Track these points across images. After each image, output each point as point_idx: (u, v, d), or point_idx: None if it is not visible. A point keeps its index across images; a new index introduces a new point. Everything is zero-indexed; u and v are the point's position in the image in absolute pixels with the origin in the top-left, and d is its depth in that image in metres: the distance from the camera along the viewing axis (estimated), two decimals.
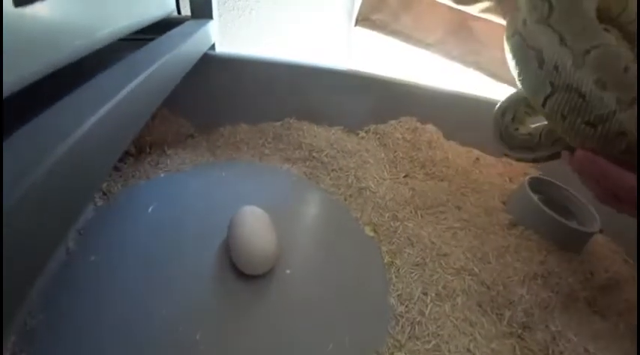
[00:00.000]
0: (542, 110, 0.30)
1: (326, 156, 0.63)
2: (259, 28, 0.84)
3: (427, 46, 0.74)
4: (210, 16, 0.62)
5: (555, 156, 0.37)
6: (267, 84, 0.67)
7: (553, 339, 0.40)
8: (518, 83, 0.32)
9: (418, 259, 0.47)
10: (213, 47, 0.65)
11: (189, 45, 0.48)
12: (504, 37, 0.33)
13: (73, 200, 0.23)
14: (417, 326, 0.39)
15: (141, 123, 0.34)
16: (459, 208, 0.56)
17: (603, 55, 0.26)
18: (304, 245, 0.49)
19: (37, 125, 0.22)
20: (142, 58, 0.37)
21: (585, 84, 0.26)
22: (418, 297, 0.42)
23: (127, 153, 0.58)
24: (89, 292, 0.38)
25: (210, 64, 0.63)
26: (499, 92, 0.72)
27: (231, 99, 0.68)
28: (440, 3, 0.69)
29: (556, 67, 0.28)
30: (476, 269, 0.46)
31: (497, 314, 0.42)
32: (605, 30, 0.27)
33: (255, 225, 0.43)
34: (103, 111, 0.25)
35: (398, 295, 0.43)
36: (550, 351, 0.39)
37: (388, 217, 0.53)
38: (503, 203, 0.58)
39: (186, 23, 0.58)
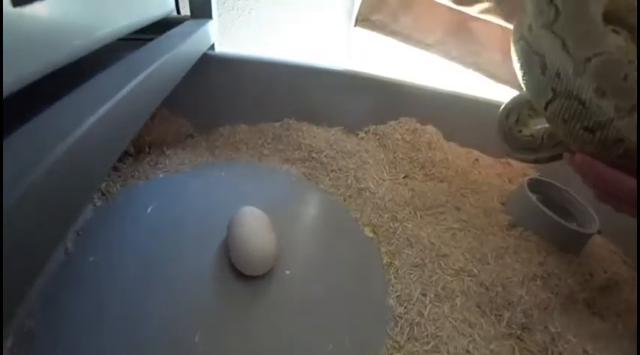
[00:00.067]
0: (544, 113, 0.31)
1: (325, 156, 0.63)
2: (259, 28, 0.84)
3: (426, 46, 0.74)
4: (209, 16, 0.62)
5: (557, 157, 0.38)
6: (267, 84, 0.67)
7: (552, 340, 0.40)
8: (523, 86, 0.33)
9: (417, 260, 0.47)
10: (212, 47, 0.64)
11: (188, 45, 0.48)
12: (511, 41, 0.34)
13: (72, 200, 0.23)
14: (415, 327, 0.39)
15: (140, 123, 0.33)
16: (458, 209, 0.56)
17: (604, 63, 0.26)
18: (303, 245, 0.49)
19: (36, 125, 0.22)
20: (141, 57, 0.37)
21: (585, 91, 0.27)
22: (417, 298, 0.42)
23: (126, 153, 0.58)
24: (88, 293, 0.38)
25: (209, 64, 0.63)
26: (498, 93, 0.72)
27: (230, 100, 0.68)
28: (439, 3, 0.69)
29: (558, 74, 0.28)
30: (475, 270, 0.46)
31: (496, 315, 0.42)
32: (614, 31, 0.27)
33: (255, 226, 0.43)
34: (102, 111, 0.25)
35: (397, 296, 0.43)
36: (549, 352, 0.39)
37: (387, 218, 0.53)
38: (503, 204, 0.58)
39: (186, 23, 0.57)
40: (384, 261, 0.47)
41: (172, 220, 0.48)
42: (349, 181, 0.58)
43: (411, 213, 0.54)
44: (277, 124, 0.68)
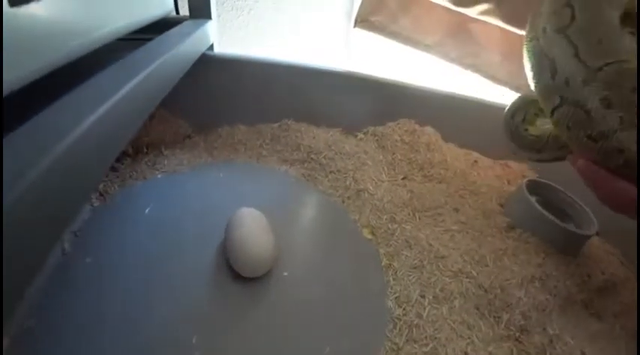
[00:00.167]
0: (550, 117, 0.31)
1: (324, 157, 0.63)
2: (258, 29, 0.84)
3: (426, 47, 0.74)
4: (208, 16, 0.62)
5: (560, 158, 0.38)
6: (266, 85, 0.67)
7: (550, 342, 0.40)
8: (532, 86, 0.32)
9: (416, 261, 0.47)
10: (211, 47, 0.64)
11: (187, 45, 0.48)
12: (524, 39, 0.34)
13: (69, 200, 0.23)
14: (414, 329, 0.39)
15: (139, 123, 0.33)
16: (456, 210, 0.56)
17: (614, 73, 0.26)
18: (302, 247, 0.49)
19: (33, 125, 0.22)
20: (139, 58, 0.37)
21: (591, 101, 0.27)
22: (416, 300, 0.42)
23: (124, 154, 0.58)
24: (85, 294, 0.38)
25: (208, 64, 0.63)
26: (497, 94, 0.73)
27: (229, 100, 0.68)
28: (439, 5, 0.69)
29: (567, 82, 0.28)
30: (473, 272, 0.46)
31: (494, 317, 0.42)
32: (631, 33, 0.27)
33: (253, 227, 0.43)
34: (100, 111, 0.25)
35: (396, 297, 0.43)
36: (547, 354, 0.39)
37: (386, 219, 0.53)
38: (501, 205, 0.58)
39: (185, 23, 0.57)
40: (383, 263, 0.47)
41: (170, 221, 0.48)
42: (348, 182, 0.58)
43: (409, 214, 0.54)
44: (276, 125, 0.68)
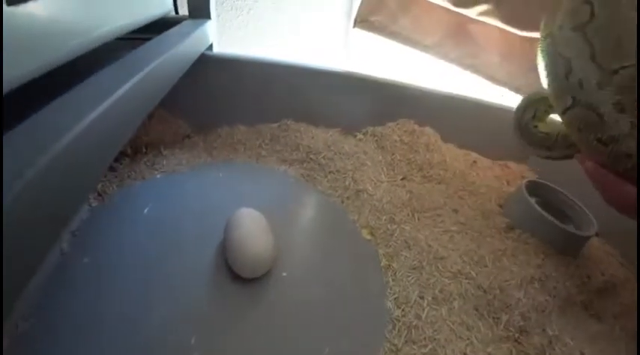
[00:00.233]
0: (561, 116, 0.31)
1: (323, 158, 0.63)
2: (257, 29, 0.84)
3: (425, 48, 0.74)
4: (208, 16, 0.62)
5: (569, 156, 0.38)
6: (265, 85, 0.67)
7: (549, 343, 0.40)
8: (544, 84, 0.32)
9: (415, 262, 0.47)
10: (210, 47, 0.64)
11: (186, 45, 0.48)
12: (539, 34, 0.33)
13: (68, 199, 0.22)
14: (413, 330, 0.39)
15: (137, 122, 0.33)
16: (456, 211, 0.56)
17: (630, 77, 0.26)
18: (301, 247, 0.48)
19: (32, 124, 0.22)
20: (138, 57, 0.37)
21: (605, 105, 0.27)
22: (415, 301, 0.42)
23: (122, 154, 0.58)
24: (83, 294, 0.38)
25: (207, 64, 0.63)
26: (496, 95, 0.73)
27: (228, 100, 0.68)
28: (438, 5, 0.69)
29: (580, 83, 0.28)
30: (473, 273, 0.46)
31: (494, 318, 0.42)
32: None
33: (252, 227, 0.43)
34: (99, 110, 0.25)
35: (395, 298, 0.42)
36: None
37: (385, 220, 0.53)
38: (500, 206, 0.58)
39: (184, 23, 0.57)
40: (382, 263, 0.47)
41: (169, 221, 0.48)
42: (347, 183, 0.58)
43: (408, 215, 0.54)
44: (275, 125, 0.68)
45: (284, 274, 0.43)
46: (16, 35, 0.23)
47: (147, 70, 0.33)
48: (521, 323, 0.41)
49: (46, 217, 0.20)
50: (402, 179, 0.61)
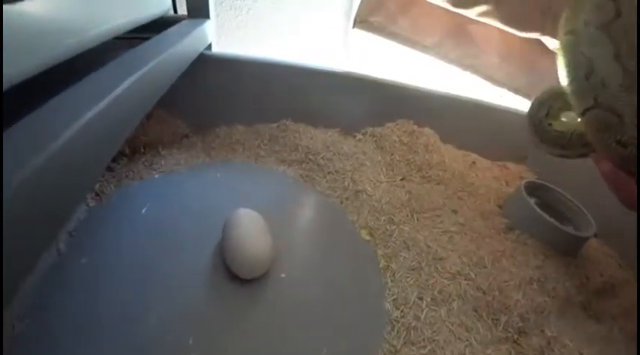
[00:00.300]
0: (580, 116, 0.30)
1: (322, 158, 0.62)
2: (257, 29, 0.84)
3: (424, 48, 0.74)
4: (207, 16, 0.62)
5: (584, 155, 0.37)
6: (264, 85, 0.67)
7: (548, 344, 0.40)
8: (564, 82, 0.31)
9: (414, 263, 0.46)
10: (209, 47, 0.64)
11: (185, 44, 0.48)
12: (560, 31, 0.32)
13: (64, 199, 0.22)
14: (412, 331, 0.39)
15: (135, 122, 0.33)
16: (455, 212, 0.56)
17: None
18: (299, 248, 0.48)
19: (29, 123, 0.22)
20: (137, 56, 0.37)
21: (627, 108, 0.26)
22: (414, 302, 0.42)
23: (120, 153, 0.57)
24: (80, 294, 0.38)
25: (206, 64, 0.63)
26: (496, 95, 0.73)
27: (227, 100, 0.67)
28: (438, 6, 0.69)
29: (603, 83, 0.27)
30: (472, 274, 0.45)
31: (493, 319, 0.42)
32: None
33: (250, 228, 0.42)
34: (97, 109, 0.25)
35: (394, 299, 0.42)
36: None
37: (384, 220, 0.53)
38: (500, 207, 0.58)
39: (183, 22, 0.57)
40: (381, 264, 0.47)
41: (167, 221, 0.48)
42: (346, 183, 0.58)
43: (407, 215, 0.54)
44: (274, 125, 0.68)
45: (282, 275, 0.43)
46: (14, 33, 0.23)
47: (145, 69, 0.33)
48: (520, 324, 0.41)
49: (43, 217, 0.20)
50: (401, 179, 0.61)
